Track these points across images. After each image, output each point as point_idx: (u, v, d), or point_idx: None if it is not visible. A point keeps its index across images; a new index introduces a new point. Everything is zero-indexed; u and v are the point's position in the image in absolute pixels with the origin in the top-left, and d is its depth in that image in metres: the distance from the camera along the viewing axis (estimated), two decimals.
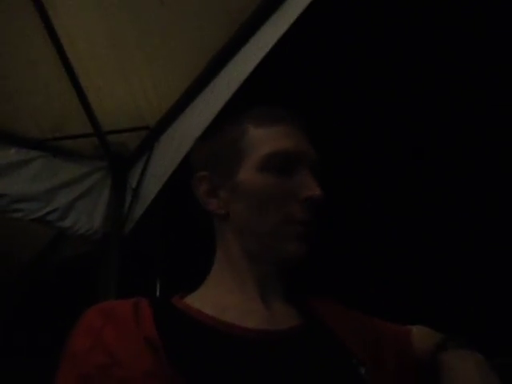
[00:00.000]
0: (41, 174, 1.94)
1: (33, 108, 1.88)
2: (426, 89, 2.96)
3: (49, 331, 2.74)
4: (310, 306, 0.74)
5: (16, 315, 3.10)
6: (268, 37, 1.48)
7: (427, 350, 0.72)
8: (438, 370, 0.69)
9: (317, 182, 0.69)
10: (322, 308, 0.75)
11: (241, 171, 0.69)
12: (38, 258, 2.52)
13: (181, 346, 0.59)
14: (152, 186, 1.98)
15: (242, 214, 0.69)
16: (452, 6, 2.48)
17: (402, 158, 3.25)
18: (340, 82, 2.84)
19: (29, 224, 1.99)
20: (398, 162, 3.24)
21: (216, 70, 1.70)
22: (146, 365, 0.56)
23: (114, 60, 1.76)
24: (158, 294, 2.89)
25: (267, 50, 1.45)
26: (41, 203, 1.91)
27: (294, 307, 0.71)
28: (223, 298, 0.68)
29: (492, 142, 3.02)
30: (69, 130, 1.98)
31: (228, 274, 0.70)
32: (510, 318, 2.67)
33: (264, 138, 0.70)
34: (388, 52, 2.79)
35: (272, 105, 0.75)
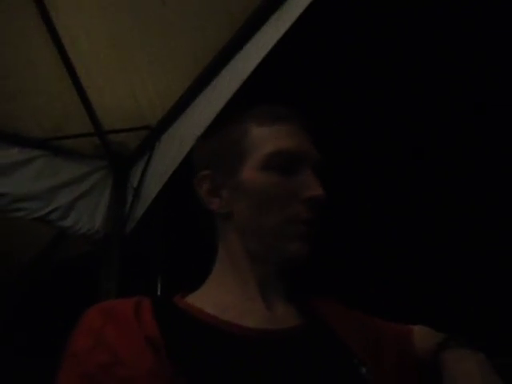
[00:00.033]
0: (42, 174, 1.95)
1: (34, 108, 1.88)
2: (426, 89, 2.96)
3: (49, 331, 2.74)
4: (312, 305, 0.74)
5: (16, 315, 3.10)
6: (268, 36, 1.48)
7: (429, 349, 0.72)
8: (440, 369, 0.69)
9: (319, 181, 0.68)
10: (324, 308, 0.75)
11: (243, 170, 0.69)
12: (39, 257, 2.52)
13: (182, 345, 0.59)
14: (153, 186, 1.98)
15: (245, 213, 0.69)
16: (452, 6, 2.48)
17: (402, 157, 3.25)
18: (340, 81, 2.84)
19: (30, 223, 2.00)
20: (398, 161, 3.24)
21: (217, 70, 1.70)
22: (147, 364, 0.56)
23: (115, 60, 1.77)
24: (158, 293, 2.89)
25: (268, 49, 1.46)
26: (42, 202, 1.91)
27: (295, 307, 0.71)
28: (225, 297, 0.68)
29: (492, 142, 3.02)
30: (70, 130, 1.98)
31: (230, 273, 0.70)
32: (510, 317, 2.67)
33: (266, 137, 0.70)
34: (388, 52, 2.79)
35: (274, 104, 0.75)
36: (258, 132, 0.71)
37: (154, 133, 2.01)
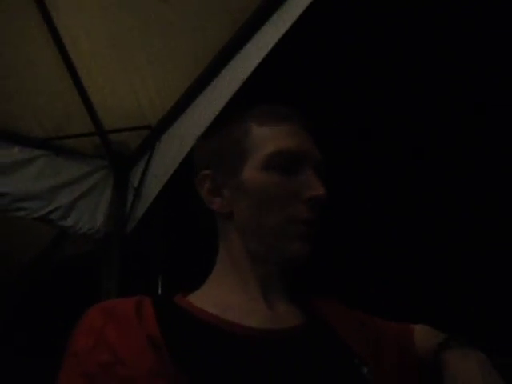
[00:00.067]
0: (43, 173, 1.95)
1: (35, 107, 1.89)
2: (426, 89, 2.96)
3: (50, 331, 2.74)
4: (313, 305, 0.74)
5: (17, 315, 3.10)
6: (269, 37, 1.48)
7: (429, 348, 0.72)
8: (441, 369, 0.69)
9: (320, 181, 0.68)
10: (325, 308, 0.75)
11: (245, 170, 0.69)
12: (40, 257, 2.53)
13: (183, 344, 0.59)
14: (154, 185, 1.99)
15: (246, 212, 0.69)
16: (452, 6, 2.48)
17: (402, 158, 3.25)
18: (340, 81, 2.84)
19: (31, 223, 2.00)
20: (398, 161, 3.24)
21: (217, 70, 1.71)
22: (148, 363, 0.56)
23: (115, 60, 1.77)
24: (159, 293, 2.90)
25: (268, 49, 1.46)
26: (43, 202, 1.91)
27: (296, 307, 0.71)
28: (226, 297, 0.68)
29: (492, 142, 3.02)
30: (71, 129, 1.98)
31: (231, 273, 0.70)
32: (510, 317, 2.68)
33: (268, 137, 0.70)
34: (388, 52, 2.79)
35: (275, 103, 0.75)
36: (259, 132, 0.71)
37: (155, 132, 2.01)
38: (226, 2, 1.57)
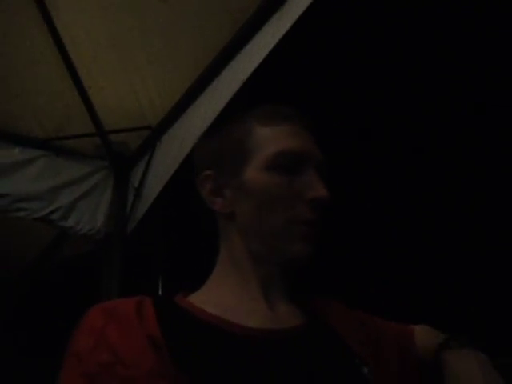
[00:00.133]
0: (44, 174, 1.95)
1: (36, 108, 1.89)
2: (426, 89, 2.96)
3: (51, 331, 2.74)
4: (313, 305, 0.74)
5: (18, 314, 3.10)
6: (269, 37, 1.48)
7: (430, 349, 0.72)
8: (441, 369, 0.69)
9: (323, 182, 0.68)
10: (325, 308, 0.75)
11: (247, 170, 0.69)
12: (41, 257, 2.53)
13: (184, 344, 0.59)
14: (154, 186, 1.99)
15: (248, 213, 0.69)
16: (452, 6, 2.48)
17: (402, 158, 3.25)
18: (340, 81, 2.84)
19: (31, 223, 2.00)
20: (398, 161, 3.24)
21: (217, 70, 1.71)
22: (149, 363, 0.56)
23: (116, 60, 1.77)
24: (160, 293, 2.90)
25: (268, 49, 1.46)
26: (43, 202, 1.91)
27: (297, 307, 0.71)
28: (226, 297, 0.68)
29: (492, 142, 3.02)
30: (71, 130, 1.98)
31: (232, 273, 0.70)
32: (510, 317, 2.68)
33: (270, 138, 0.70)
34: (388, 52, 2.79)
35: (277, 103, 0.74)
36: (262, 132, 0.70)
37: (155, 133, 2.01)
38: (225, 1, 1.57)
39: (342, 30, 2.65)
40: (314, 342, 0.67)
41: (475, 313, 2.89)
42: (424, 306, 2.88)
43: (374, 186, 3.28)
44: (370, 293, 3.20)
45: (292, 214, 0.67)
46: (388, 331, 0.77)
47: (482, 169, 3.10)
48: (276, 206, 0.67)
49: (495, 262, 3.01)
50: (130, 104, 1.90)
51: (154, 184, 1.99)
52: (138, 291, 0.72)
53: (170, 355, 0.57)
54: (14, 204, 1.85)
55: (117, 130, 2.01)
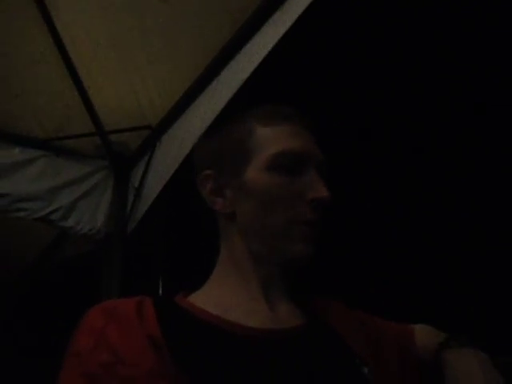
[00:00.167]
0: (44, 174, 1.95)
1: (36, 108, 1.89)
2: (426, 89, 2.96)
3: (51, 331, 2.74)
4: (313, 305, 0.74)
5: (18, 314, 3.10)
6: (269, 37, 1.48)
7: (430, 348, 0.72)
8: (442, 368, 0.69)
9: (324, 182, 0.68)
10: (325, 308, 0.75)
11: (248, 170, 0.69)
12: (41, 257, 2.53)
13: (184, 344, 0.59)
14: (154, 186, 1.99)
15: (248, 213, 0.69)
16: (452, 6, 2.48)
17: (402, 157, 3.25)
18: (340, 81, 2.84)
19: (32, 223, 2.00)
20: (398, 161, 3.24)
21: (217, 70, 1.71)
22: (149, 363, 0.56)
23: (116, 60, 1.77)
24: (160, 293, 2.90)
25: (268, 49, 1.46)
26: (43, 202, 1.91)
27: (297, 307, 0.71)
28: (227, 297, 0.68)
29: (492, 142, 3.02)
30: (71, 130, 1.99)
31: (232, 273, 0.70)
32: (510, 316, 2.68)
33: (271, 138, 0.70)
34: (388, 52, 2.79)
35: (277, 103, 0.74)
36: (263, 132, 0.70)
37: (155, 133, 2.01)
38: (226, 2, 1.57)
39: (342, 29, 2.65)
40: (314, 342, 0.67)
41: (476, 312, 2.89)
42: (424, 306, 2.87)
43: (374, 186, 3.28)
44: (370, 293, 3.20)
45: (292, 214, 0.67)
46: (388, 331, 0.77)
47: (482, 169, 3.10)
48: (276, 206, 0.67)
49: (495, 261, 3.01)
50: (130, 104, 1.90)
51: (154, 184, 1.99)
52: (138, 291, 0.72)
53: (171, 355, 0.57)
54: (14, 204, 1.86)
55: (117, 129, 2.01)
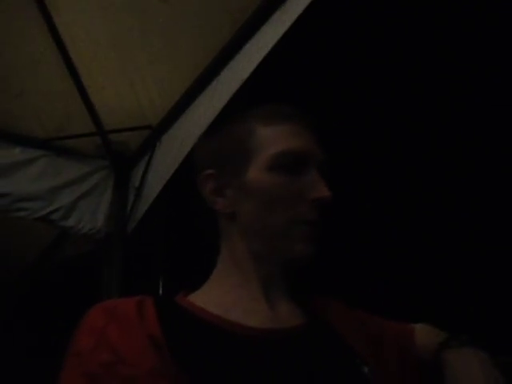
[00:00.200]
0: (44, 173, 1.96)
1: (36, 107, 1.89)
2: (426, 89, 2.96)
3: (51, 330, 2.74)
4: (314, 305, 0.75)
5: (18, 314, 3.10)
6: (269, 36, 1.48)
7: (430, 348, 0.72)
8: (442, 368, 0.69)
9: (325, 182, 0.68)
10: (325, 307, 0.75)
11: (249, 170, 0.69)
12: (41, 257, 2.53)
13: (185, 344, 0.59)
14: (154, 185, 1.99)
15: (249, 213, 0.69)
16: (452, 6, 2.48)
17: (402, 157, 3.25)
18: (340, 81, 2.84)
19: (32, 223, 2.00)
20: (398, 162, 3.24)
21: (217, 70, 1.71)
22: (150, 363, 0.56)
23: (116, 60, 1.77)
24: (160, 292, 2.90)
25: (268, 49, 1.46)
26: (44, 202, 1.92)
27: (297, 307, 0.71)
28: (227, 297, 0.68)
29: (492, 142, 3.02)
30: (72, 130, 1.99)
31: (233, 273, 0.70)
32: (510, 316, 2.68)
33: (273, 137, 0.70)
34: (388, 52, 2.79)
35: (278, 103, 0.74)
36: (264, 132, 0.70)
37: (155, 132, 2.01)
38: (226, 2, 1.57)
39: (342, 29, 2.65)
40: (315, 341, 0.67)
41: (477, 311, 2.89)
42: (424, 306, 2.87)
43: (374, 186, 3.28)
44: (370, 293, 3.20)
45: (293, 213, 0.67)
46: (388, 331, 0.77)
47: (482, 169, 3.10)
48: (277, 206, 0.67)
49: (495, 261, 3.01)
50: (130, 104, 1.90)
51: (155, 184, 1.99)
52: (138, 291, 0.72)
53: (171, 355, 0.57)
54: (15, 204, 1.86)
55: (117, 129, 2.01)
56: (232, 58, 1.65)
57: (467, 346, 0.70)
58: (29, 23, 1.66)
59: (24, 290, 2.88)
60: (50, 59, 1.75)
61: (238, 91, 1.59)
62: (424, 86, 2.94)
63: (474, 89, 2.83)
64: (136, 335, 0.59)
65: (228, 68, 1.67)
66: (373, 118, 3.11)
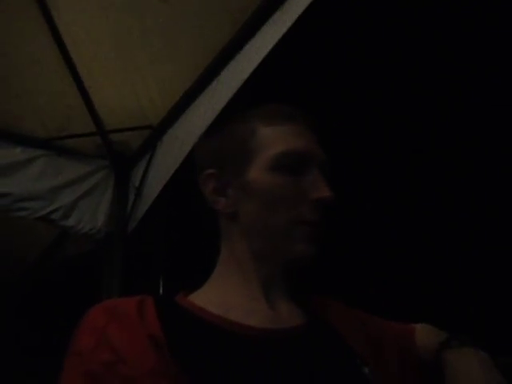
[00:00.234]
0: (45, 173, 1.96)
1: (37, 107, 1.89)
2: (426, 89, 2.96)
3: (52, 330, 2.74)
4: (314, 305, 0.74)
5: (19, 314, 3.11)
6: (269, 37, 1.48)
7: (431, 348, 0.72)
8: (442, 368, 0.69)
9: (326, 182, 0.68)
10: (326, 307, 0.75)
11: (250, 170, 0.69)
12: (42, 256, 2.53)
13: (185, 343, 0.59)
14: (155, 185, 1.99)
15: (251, 213, 0.69)
16: (452, 6, 2.48)
17: (401, 157, 3.25)
18: (340, 81, 2.84)
19: (33, 223, 2.01)
20: (398, 162, 3.24)
21: (218, 70, 1.71)
22: (150, 362, 0.56)
23: (116, 59, 1.77)
24: (160, 292, 2.90)
25: (268, 49, 1.46)
26: (45, 202, 1.92)
27: (298, 307, 0.71)
28: (227, 297, 0.68)
29: (492, 142, 3.02)
30: (72, 129, 1.99)
31: (233, 273, 0.70)
32: (511, 316, 2.68)
33: (274, 137, 0.70)
34: (388, 52, 2.79)
35: (279, 103, 0.74)
36: (266, 132, 0.70)
37: (156, 132, 2.01)
38: (226, 2, 1.57)
39: (342, 29, 2.65)
40: (315, 341, 0.67)
41: (477, 312, 2.89)
42: (424, 306, 2.88)
43: (374, 186, 3.28)
44: (370, 293, 3.20)
45: (295, 214, 0.67)
46: (388, 331, 0.77)
47: (481, 169, 3.10)
48: (279, 207, 0.67)
49: (495, 261, 3.01)
50: (131, 103, 1.90)
51: (155, 183, 2.00)
52: (138, 290, 0.72)
53: (171, 354, 0.57)
54: (16, 203, 1.86)
55: (117, 129, 2.01)
56: (232, 58, 1.65)
57: (467, 346, 0.70)
58: (29, 23, 1.66)
59: (25, 290, 2.89)
60: (50, 59, 1.75)
61: (238, 91, 1.59)
62: (424, 86, 2.94)
63: (473, 89, 2.83)
64: (136, 335, 0.59)
65: (228, 68, 1.67)
66: (373, 118, 3.11)
